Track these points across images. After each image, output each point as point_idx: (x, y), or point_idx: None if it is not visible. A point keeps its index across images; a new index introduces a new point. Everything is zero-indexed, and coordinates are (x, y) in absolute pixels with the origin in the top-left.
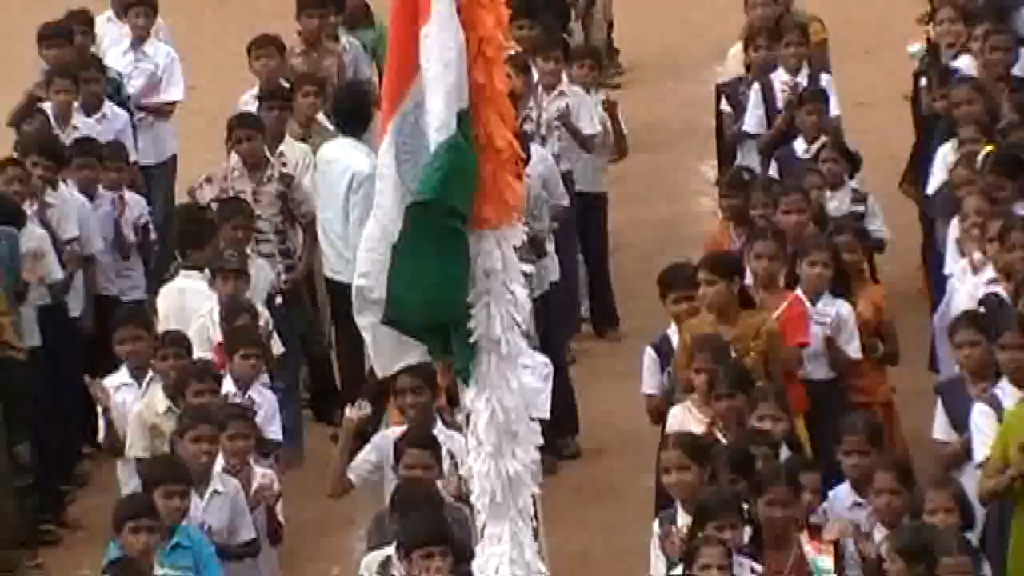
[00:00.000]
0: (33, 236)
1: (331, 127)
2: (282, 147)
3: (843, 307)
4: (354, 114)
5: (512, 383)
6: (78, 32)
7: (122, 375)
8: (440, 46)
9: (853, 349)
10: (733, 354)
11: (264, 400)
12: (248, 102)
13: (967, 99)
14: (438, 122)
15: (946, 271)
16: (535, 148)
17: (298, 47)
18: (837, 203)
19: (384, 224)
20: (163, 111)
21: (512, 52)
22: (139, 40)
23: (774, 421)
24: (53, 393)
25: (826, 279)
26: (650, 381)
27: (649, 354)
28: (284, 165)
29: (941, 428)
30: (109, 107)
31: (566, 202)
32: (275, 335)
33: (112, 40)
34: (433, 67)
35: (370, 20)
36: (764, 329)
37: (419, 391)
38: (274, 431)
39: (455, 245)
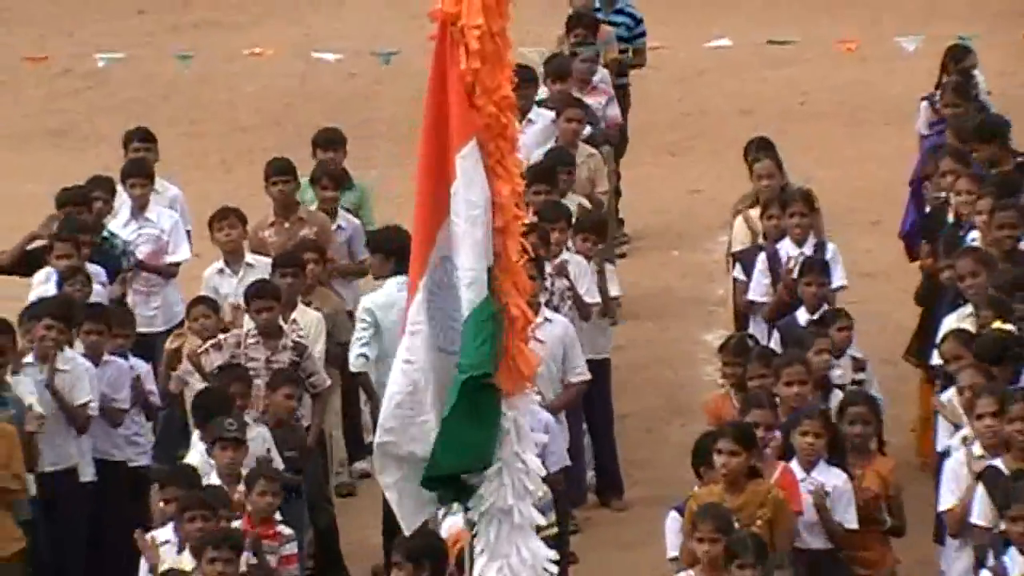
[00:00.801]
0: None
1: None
2: (294, 315)
3: (838, 477)
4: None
5: (523, 552)
6: (101, 199)
7: (166, 532)
8: (466, 203)
9: (849, 519)
10: (736, 524)
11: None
12: (212, 276)
13: (971, 271)
14: (469, 278)
15: (939, 448)
16: (556, 316)
17: (270, 217)
18: (840, 371)
19: (415, 379)
20: (170, 271)
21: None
22: (139, 208)
23: None
24: (54, 553)
25: (819, 448)
26: (676, 544)
27: (673, 517)
28: (298, 333)
29: None
30: (92, 267)
31: (587, 376)
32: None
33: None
34: (461, 224)
35: (349, 182)
36: (771, 497)
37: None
38: None
39: (493, 402)
